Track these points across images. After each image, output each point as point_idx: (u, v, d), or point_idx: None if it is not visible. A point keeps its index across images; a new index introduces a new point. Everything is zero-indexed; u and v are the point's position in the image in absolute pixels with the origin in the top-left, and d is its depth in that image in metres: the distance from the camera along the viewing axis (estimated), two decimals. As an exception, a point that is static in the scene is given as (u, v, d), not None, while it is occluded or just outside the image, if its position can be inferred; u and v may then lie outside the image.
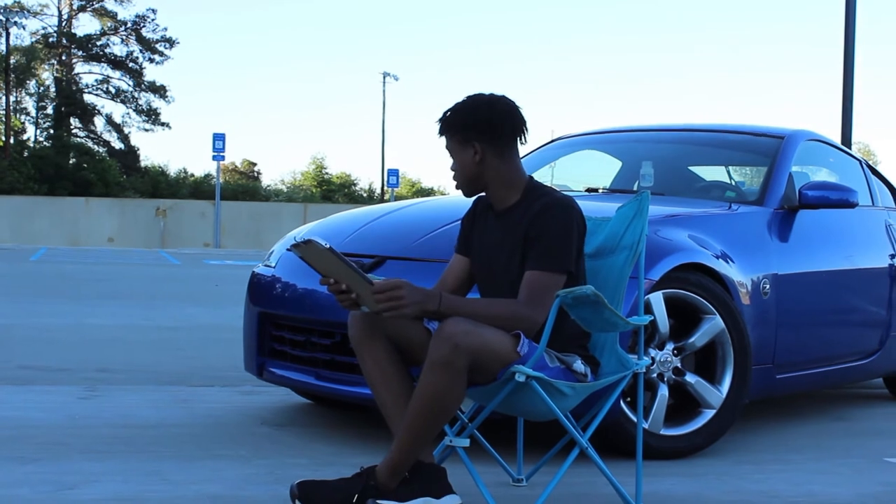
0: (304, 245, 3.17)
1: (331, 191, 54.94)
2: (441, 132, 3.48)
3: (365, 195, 54.69)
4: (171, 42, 49.46)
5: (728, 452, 4.53)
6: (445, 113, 3.47)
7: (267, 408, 5.24)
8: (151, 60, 49.55)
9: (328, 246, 3.13)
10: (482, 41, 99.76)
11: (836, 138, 15.41)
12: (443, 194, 37.01)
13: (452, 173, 3.50)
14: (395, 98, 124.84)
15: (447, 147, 3.49)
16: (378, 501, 3.18)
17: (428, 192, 57.33)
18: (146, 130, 50.58)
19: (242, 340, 5.01)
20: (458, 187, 3.51)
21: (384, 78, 58.72)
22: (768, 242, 5.03)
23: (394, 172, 41.19)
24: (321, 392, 4.60)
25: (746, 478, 4.11)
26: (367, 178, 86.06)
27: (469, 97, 3.47)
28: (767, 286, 4.84)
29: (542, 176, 6.21)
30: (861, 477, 4.21)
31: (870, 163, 6.79)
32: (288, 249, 4.86)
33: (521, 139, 3.47)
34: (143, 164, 50.88)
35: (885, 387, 6.50)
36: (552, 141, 6.75)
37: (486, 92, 3.48)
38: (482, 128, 3.40)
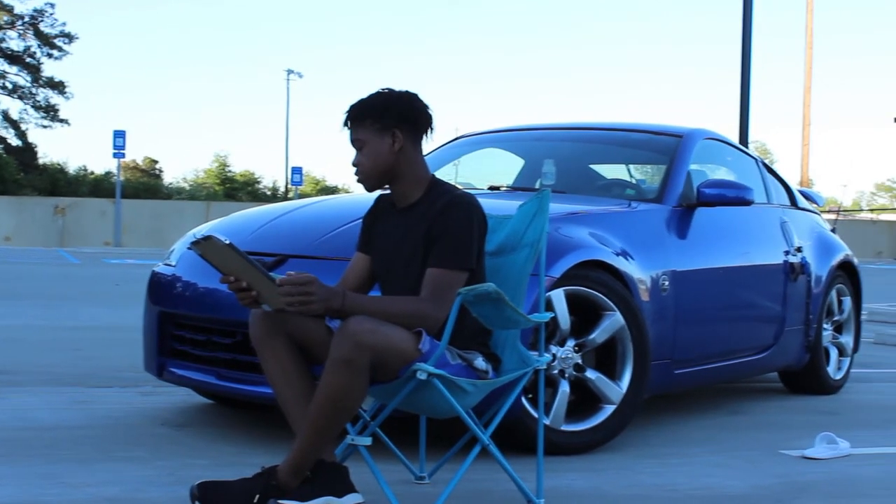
0: (204, 242, 3.12)
1: (234, 189, 54.39)
2: (356, 118, 3.40)
3: (269, 193, 54.23)
4: (70, 37, 48.57)
5: (628, 447, 4.59)
6: (362, 100, 3.42)
7: (167, 408, 5.18)
8: (50, 56, 48.60)
9: (228, 242, 3.09)
10: (387, 39, 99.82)
11: (735, 135, 15.71)
12: (347, 192, 36.88)
13: (357, 167, 3.42)
14: (300, 96, 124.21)
15: (357, 137, 3.41)
16: (279, 501, 3.16)
17: (332, 190, 57.09)
18: (44, 127, 49.63)
19: (142, 340, 4.94)
20: (361, 180, 3.45)
21: (288, 75, 58.52)
22: (667, 240, 5.11)
23: (297, 170, 40.87)
24: (223, 392, 4.56)
25: (645, 472, 4.17)
26: (271, 175, 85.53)
27: (384, 89, 3.44)
28: (666, 283, 4.91)
29: (447, 173, 6.24)
30: (756, 469, 4.30)
31: (766, 161, 6.94)
32: (188, 248, 4.81)
33: (430, 135, 3.48)
34: (41, 161, 49.78)
35: (779, 380, 6.65)
36: (456, 139, 6.77)
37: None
38: (406, 115, 3.40)
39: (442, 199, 3.38)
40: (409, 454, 3.93)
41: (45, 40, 48.11)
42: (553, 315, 4.21)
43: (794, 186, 7.07)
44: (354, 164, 3.45)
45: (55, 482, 3.68)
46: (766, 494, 3.88)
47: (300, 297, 3.10)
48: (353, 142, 3.44)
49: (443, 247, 3.31)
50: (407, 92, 3.46)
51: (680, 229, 5.24)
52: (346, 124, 3.45)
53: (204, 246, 3.13)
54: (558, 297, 4.30)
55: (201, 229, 5.13)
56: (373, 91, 3.46)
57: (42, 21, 47.94)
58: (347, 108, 3.45)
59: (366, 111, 3.41)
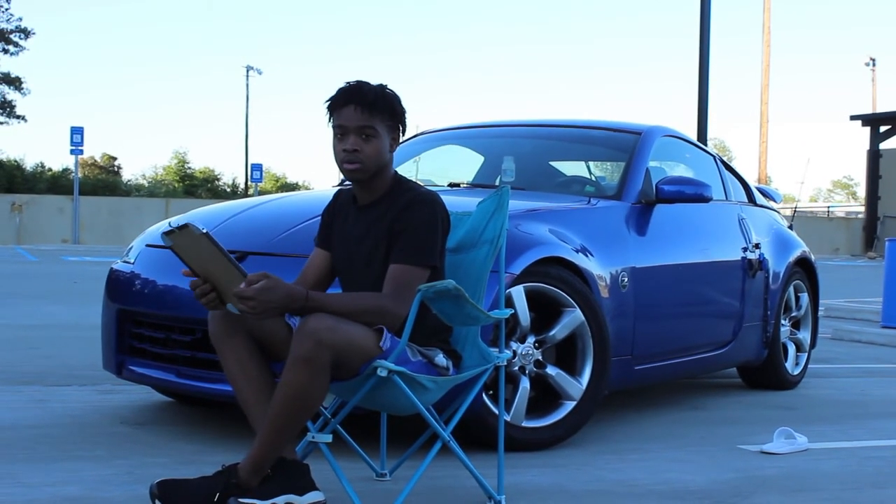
0: (179, 231, 2.99)
1: (193, 186, 54.05)
2: (369, 105, 3.29)
3: (228, 190, 53.93)
4: (26, 32, 48.04)
5: (588, 443, 4.61)
6: (371, 87, 3.33)
7: (126, 407, 5.15)
8: (6, 51, 48.06)
9: (205, 231, 2.99)
10: (347, 36, 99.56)
11: (693, 132, 15.80)
12: (307, 189, 36.74)
13: (356, 153, 3.29)
14: (259, 92, 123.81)
15: (369, 124, 3.29)
16: (240, 500, 3.15)
17: (293, 187, 56.88)
18: (0, 123, 49.08)
19: (101, 338, 4.91)
20: (358, 170, 3.31)
21: (247, 72, 58.18)
22: (626, 236, 5.13)
23: (257, 167, 40.73)
24: (182, 390, 4.53)
25: (606, 467, 4.19)
26: (231, 172, 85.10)
27: (377, 84, 3.37)
28: (626, 279, 4.93)
29: (407, 170, 6.24)
30: (715, 464, 4.33)
31: (724, 158, 6.99)
32: (148, 245, 4.78)
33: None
34: (-3, 157, 49.29)
35: (738, 376, 6.70)
36: (416, 135, 6.77)
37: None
38: (403, 117, 3.40)
39: (405, 196, 3.37)
40: (370, 451, 3.93)
41: (1, 35, 47.59)
42: (513, 311, 4.22)
43: (752, 183, 7.13)
44: (351, 150, 3.31)
45: (13, 482, 3.65)
46: (724, 489, 3.91)
47: (247, 310, 3.06)
48: (361, 128, 3.31)
49: (406, 243, 3.30)
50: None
51: (639, 226, 5.27)
52: (350, 107, 3.30)
53: (178, 235, 3.00)
54: (518, 293, 4.31)
55: (161, 226, 5.08)
56: (361, 80, 3.35)
57: (-3, 16, 47.43)
58: (353, 89, 3.32)
59: (379, 102, 3.32)
